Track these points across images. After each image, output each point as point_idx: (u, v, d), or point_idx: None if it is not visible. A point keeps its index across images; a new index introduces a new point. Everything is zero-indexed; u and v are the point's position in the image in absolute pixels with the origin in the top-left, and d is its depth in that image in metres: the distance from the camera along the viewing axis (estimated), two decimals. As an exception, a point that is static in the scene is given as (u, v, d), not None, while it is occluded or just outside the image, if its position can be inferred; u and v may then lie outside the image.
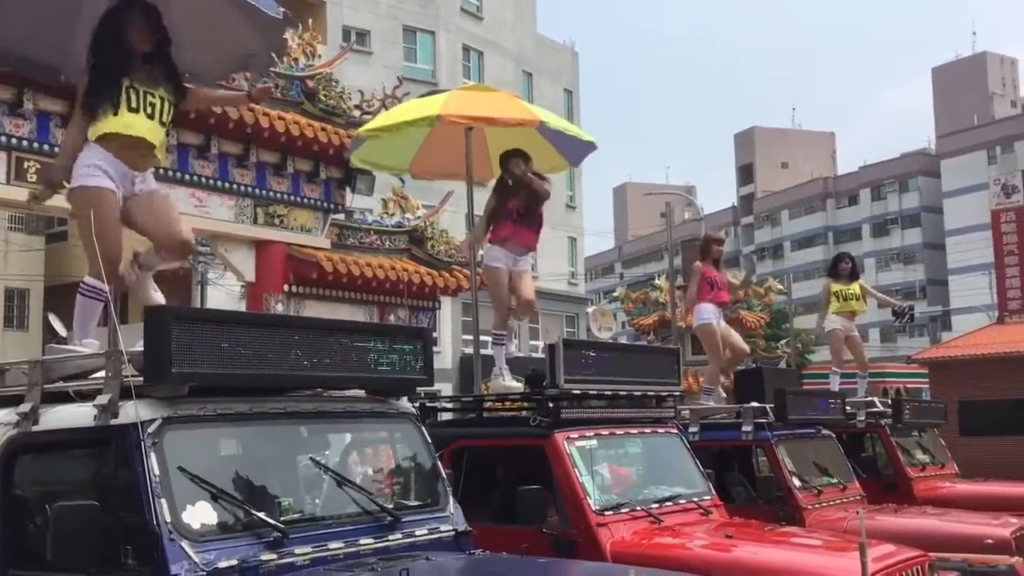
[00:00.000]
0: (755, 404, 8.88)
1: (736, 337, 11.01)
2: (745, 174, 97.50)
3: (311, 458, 4.72)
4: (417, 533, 4.70)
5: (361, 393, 5.02)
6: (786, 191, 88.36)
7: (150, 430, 3.98)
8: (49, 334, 5.49)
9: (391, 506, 4.75)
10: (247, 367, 4.22)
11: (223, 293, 24.98)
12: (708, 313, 10.52)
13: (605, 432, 6.79)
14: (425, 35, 37.61)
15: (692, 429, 8.74)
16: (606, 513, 6.18)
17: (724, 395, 10.28)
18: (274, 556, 4.04)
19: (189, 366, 4.01)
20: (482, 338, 8.75)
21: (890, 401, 11.68)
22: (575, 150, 9.28)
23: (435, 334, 22.40)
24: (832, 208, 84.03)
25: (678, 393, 7.62)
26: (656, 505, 6.56)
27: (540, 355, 7.41)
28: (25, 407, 4.44)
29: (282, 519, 4.19)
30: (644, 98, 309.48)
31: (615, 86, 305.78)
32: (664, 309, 24.09)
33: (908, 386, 24.70)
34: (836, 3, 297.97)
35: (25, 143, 10.61)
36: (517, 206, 8.36)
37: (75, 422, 4.25)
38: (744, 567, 5.80)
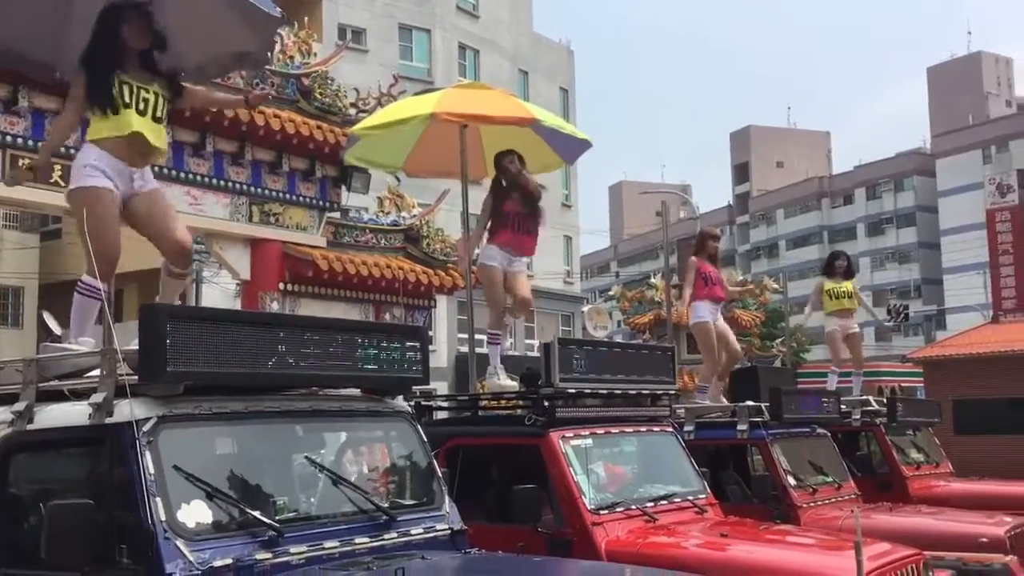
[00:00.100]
0: (750, 403, 8.89)
1: (731, 338, 11.00)
2: (741, 173, 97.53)
3: (306, 457, 4.72)
4: (413, 532, 4.70)
5: (357, 392, 5.02)
6: (781, 190, 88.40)
7: (145, 429, 3.98)
8: (44, 332, 5.48)
9: (387, 505, 4.75)
10: (242, 366, 4.22)
11: (218, 291, 24.96)
12: (704, 311, 10.50)
13: (600, 431, 6.79)
14: (421, 33, 37.58)
15: (687, 428, 8.74)
16: (601, 512, 6.18)
17: (724, 400, 10.27)
18: (269, 555, 4.04)
19: (184, 365, 4.00)
20: (477, 337, 8.75)
21: (885, 400, 11.69)
22: (570, 148, 9.27)
23: (430, 333, 22.37)
24: (827, 207, 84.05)
25: (673, 392, 7.62)
26: (651, 504, 6.56)
27: (535, 354, 7.41)
28: (20, 405, 4.43)
29: (277, 518, 4.19)
30: (640, 96, 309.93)
31: (611, 84, 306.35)
32: (660, 308, 24.07)
33: (903, 385, 24.72)
34: (832, 2, 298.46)
35: (20, 140, 10.61)
36: (515, 211, 8.31)
37: (70, 420, 4.24)
38: (739, 566, 5.80)
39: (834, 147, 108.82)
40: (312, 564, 4.16)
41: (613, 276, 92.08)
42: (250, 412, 4.44)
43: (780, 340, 34.81)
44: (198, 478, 4.02)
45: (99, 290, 5.25)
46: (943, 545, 7.57)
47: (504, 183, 8.38)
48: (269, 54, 7.20)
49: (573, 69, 46.38)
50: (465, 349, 11.91)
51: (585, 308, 38.12)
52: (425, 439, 5.22)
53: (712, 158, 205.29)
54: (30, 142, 10.66)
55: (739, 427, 8.66)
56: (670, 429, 7.52)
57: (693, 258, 10.81)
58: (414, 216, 15.69)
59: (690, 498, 6.89)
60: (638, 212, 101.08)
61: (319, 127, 13.34)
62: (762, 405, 8.78)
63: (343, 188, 14.34)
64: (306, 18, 15.05)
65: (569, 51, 47.01)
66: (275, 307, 13.22)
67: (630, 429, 7.11)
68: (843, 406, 10.11)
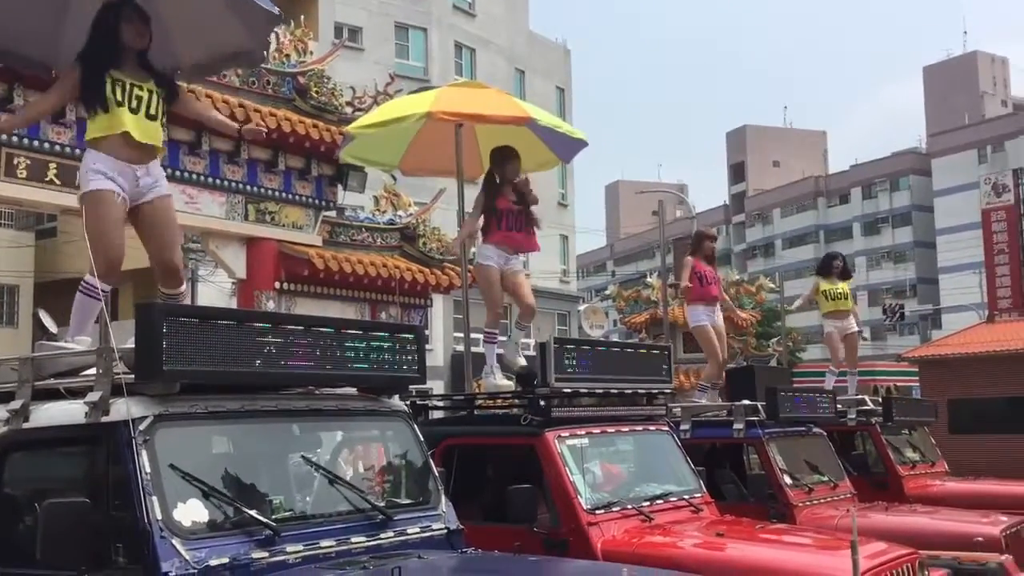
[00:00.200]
0: (746, 402, 8.90)
1: (724, 341, 10.99)
2: (737, 172, 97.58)
3: (303, 456, 4.72)
4: (409, 531, 4.70)
5: (353, 391, 5.02)
6: (777, 190, 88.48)
7: (141, 427, 3.97)
8: (39, 330, 5.47)
9: (383, 504, 4.75)
10: (239, 364, 4.21)
11: (214, 290, 24.96)
12: (701, 315, 10.56)
13: (596, 430, 6.79)
14: (417, 32, 37.58)
15: (683, 427, 8.75)
16: (597, 512, 6.18)
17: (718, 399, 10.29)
18: (265, 554, 4.04)
19: (181, 363, 4.00)
20: (473, 335, 8.74)
21: (880, 399, 11.71)
22: (566, 147, 9.26)
23: (426, 331, 22.37)
24: (823, 207, 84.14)
25: (669, 391, 7.63)
26: (647, 503, 6.57)
27: (531, 353, 7.41)
28: (16, 404, 4.43)
29: (274, 517, 4.19)
30: (636, 96, 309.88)
31: (607, 84, 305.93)
32: (656, 307, 24.06)
33: (898, 384, 24.74)
34: (828, 2, 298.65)
35: (15, 139, 10.57)
36: (508, 208, 8.26)
37: (66, 419, 4.24)
38: (735, 565, 5.80)
39: (830, 147, 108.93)
40: (308, 563, 4.16)
41: (609, 275, 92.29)
42: (246, 411, 4.43)
43: (776, 339, 34.83)
44: (194, 477, 4.02)
45: (101, 290, 5.26)
46: (939, 544, 7.58)
47: (498, 179, 8.33)
48: (265, 52, 7.23)
49: (569, 68, 46.40)
50: (461, 348, 11.95)
51: (581, 307, 38.12)
52: (421, 438, 5.21)
53: (708, 158, 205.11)
54: (25, 140, 10.64)
55: (735, 426, 8.67)
56: (666, 428, 7.52)
57: (689, 257, 10.83)
58: (410, 215, 15.68)
59: (686, 497, 6.89)
60: (634, 211, 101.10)
61: (315, 126, 13.31)
62: (758, 404, 8.79)
63: (339, 187, 14.32)
64: (302, 16, 15.03)
65: (566, 50, 47.03)
66: (271, 306, 13.20)
67: (626, 428, 7.11)
68: (839, 406, 10.13)
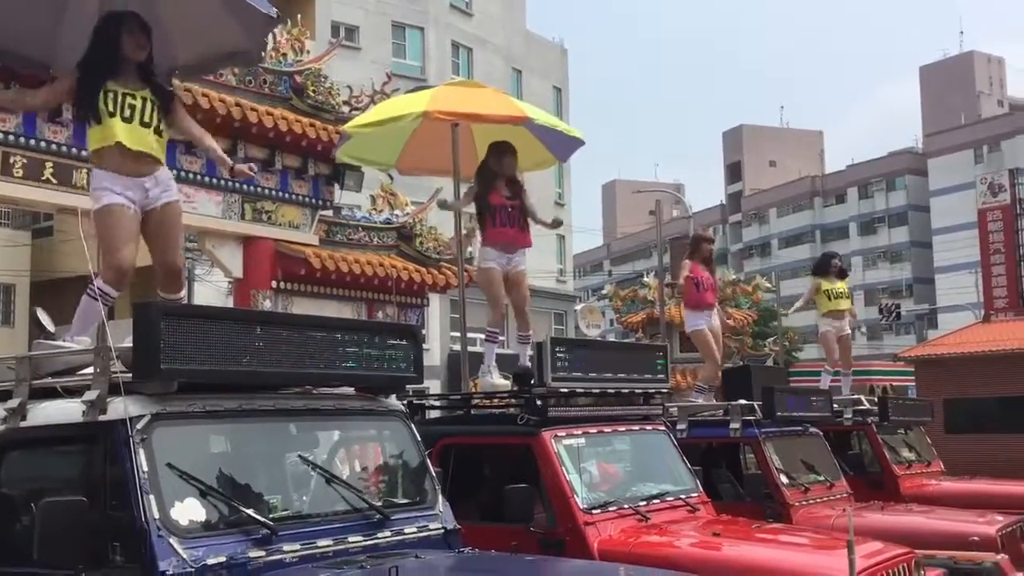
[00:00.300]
0: (743, 401, 8.91)
1: (719, 343, 11.02)
2: (733, 172, 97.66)
3: (300, 455, 4.72)
4: (406, 531, 4.71)
5: (350, 390, 5.02)
6: (774, 189, 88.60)
7: (138, 426, 3.97)
8: (36, 329, 5.47)
9: (380, 504, 4.75)
10: (236, 364, 4.22)
11: (210, 289, 24.92)
12: (697, 319, 10.65)
13: (593, 430, 6.79)
14: (414, 31, 37.59)
15: (680, 426, 8.75)
16: (594, 511, 6.18)
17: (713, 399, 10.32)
18: (262, 553, 4.04)
19: (178, 362, 4.00)
20: (470, 335, 8.73)
21: (876, 399, 11.72)
22: (563, 146, 9.27)
23: (423, 331, 22.38)
24: (820, 206, 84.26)
25: (666, 390, 7.63)
26: (644, 503, 6.56)
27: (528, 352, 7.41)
28: (13, 403, 4.43)
29: (271, 516, 4.19)
30: (633, 95, 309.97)
31: (604, 83, 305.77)
32: (653, 307, 24.08)
33: (894, 384, 24.77)
34: (825, 2, 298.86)
35: (11, 138, 10.56)
36: (501, 203, 8.21)
37: (63, 418, 4.24)
38: (731, 565, 5.80)
39: (826, 146, 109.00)
40: (305, 562, 4.16)
41: (606, 275, 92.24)
42: (244, 410, 4.43)
43: (772, 339, 34.88)
44: (192, 476, 4.02)
45: (109, 297, 5.29)
46: (934, 544, 7.58)
47: (492, 171, 8.31)
48: (262, 53, 7.23)
49: (566, 68, 46.43)
50: (458, 347, 11.94)
51: (578, 307, 38.18)
52: (419, 438, 5.22)
53: (705, 157, 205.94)
54: (22, 139, 10.63)
55: (732, 426, 8.67)
56: (663, 428, 7.52)
57: (687, 260, 10.85)
58: (407, 214, 15.68)
59: (683, 497, 6.89)
60: (631, 211, 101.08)
61: (312, 125, 13.31)
62: (755, 404, 8.80)
63: (336, 186, 14.32)
64: (299, 15, 15.02)
65: (562, 50, 47.05)
66: (267, 305, 13.20)
67: (623, 428, 7.11)
68: (835, 405, 10.14)
